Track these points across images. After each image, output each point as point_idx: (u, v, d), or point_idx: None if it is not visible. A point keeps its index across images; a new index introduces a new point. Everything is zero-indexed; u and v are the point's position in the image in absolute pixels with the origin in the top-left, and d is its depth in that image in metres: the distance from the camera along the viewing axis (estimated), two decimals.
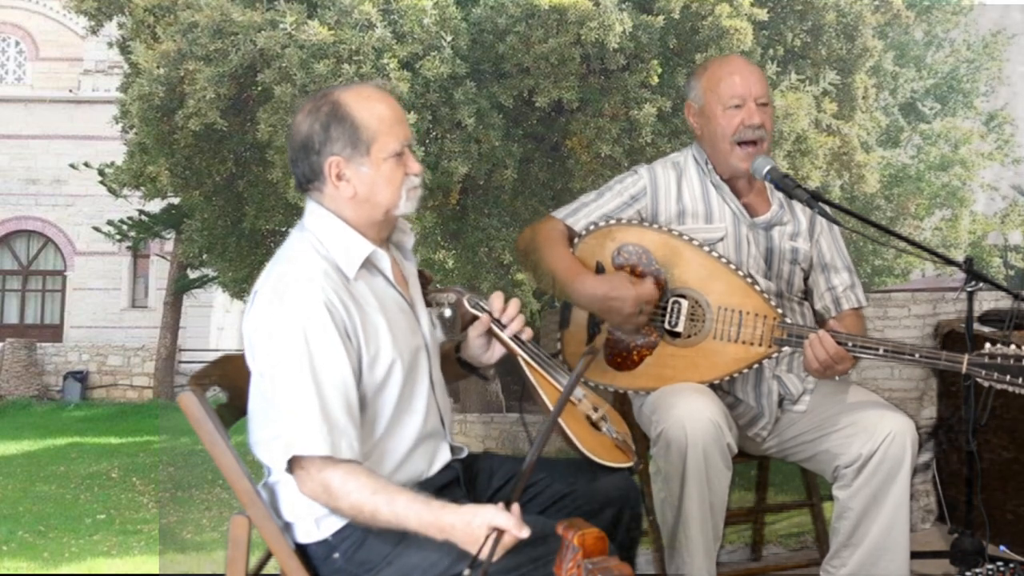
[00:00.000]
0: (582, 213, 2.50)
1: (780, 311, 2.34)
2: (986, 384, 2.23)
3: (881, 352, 2.25)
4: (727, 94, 2.41)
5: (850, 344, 2.24)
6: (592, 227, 2.45)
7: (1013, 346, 2.20)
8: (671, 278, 2.38)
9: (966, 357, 2.21)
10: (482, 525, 1.63)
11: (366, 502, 1.70)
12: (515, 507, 1.64)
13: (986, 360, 2.20)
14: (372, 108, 1.84)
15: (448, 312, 2.04)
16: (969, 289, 2.43)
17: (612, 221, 2.46)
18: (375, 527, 1.72)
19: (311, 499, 1.76)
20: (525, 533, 1.62)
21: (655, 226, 2.44)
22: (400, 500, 1.69)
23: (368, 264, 1.86)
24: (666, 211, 2.49)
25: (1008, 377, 2.19)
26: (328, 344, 1.75)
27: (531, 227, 2.54)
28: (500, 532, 1.62)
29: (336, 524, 1.80)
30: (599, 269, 2.42)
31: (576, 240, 2.46)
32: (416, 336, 1.92)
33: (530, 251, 2.47)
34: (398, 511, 1.68)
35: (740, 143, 2.42)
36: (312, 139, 1.83)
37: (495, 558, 1.62)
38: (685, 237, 2.40)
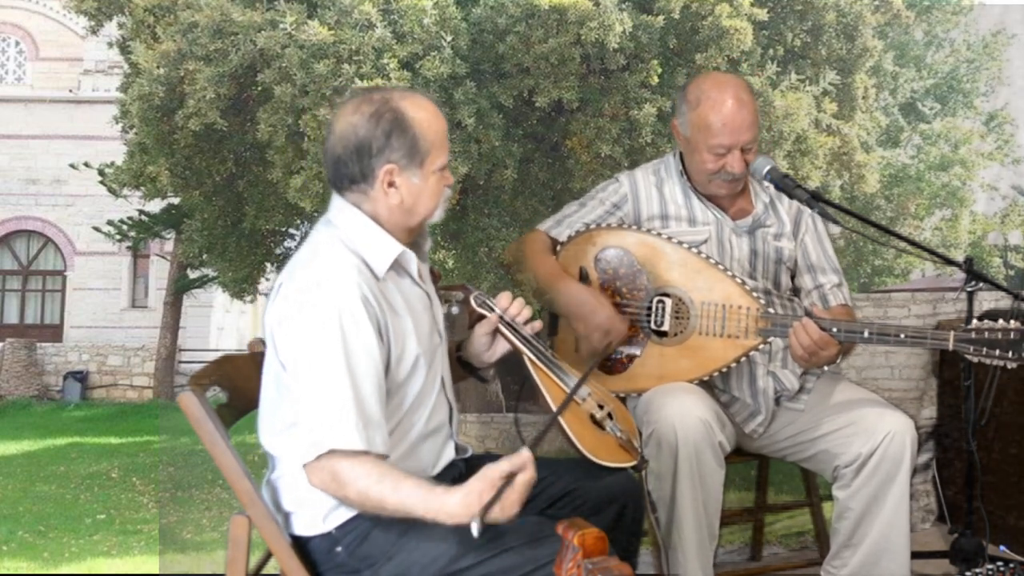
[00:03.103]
0: (565, 224, 2.54)
1: (763, 302, 2.34)
2: (975, 360, 2.20)
3: (866, 335, 2.24)
4: (714, 142, 2.39)
5: (834, 329, 2.24)
6: (574, 234, 2.49)
7: (1001, 320, 2.17)
8: (653, 277, 2.40)
9: (952, 333, 2.19)
10: (485, 483, 1.65)
11: (372, 489, 1.70)
12: (525, 450, 1.68)
13: (973, 335, 2.18)
14: (430, 121, 1.88)
15: (456, 309, 2.06)
16: (969, 289, 2.43)
17: (593, 227, 2.49)
18: (383, 515, 1.73)
19: (320, 489, 1.76)
20: (531, 468, 1.66)
21: (633, 228, 2.47)
22: (405, 487, 1.70)
23: (396, 264, 1.88)
24: (648, 217, 2.52)
25: (997, 351, 2.16)
26: (364, 336, 1.76)
27: (516, 241, 2.60)
28: (510, 477, 1.65)
29: (341, 517, 1.81)
30: (582, 274, 2.45)
31: (559, 248, 2.50)
32: (434, 333, 1.95)
33: (517, 262, 2.53)
34: (403, 498, 1.69)
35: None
36: (371, 143, 1.84)
37: (515, 503, 1.65)
38: (664, 236, 2.41)
